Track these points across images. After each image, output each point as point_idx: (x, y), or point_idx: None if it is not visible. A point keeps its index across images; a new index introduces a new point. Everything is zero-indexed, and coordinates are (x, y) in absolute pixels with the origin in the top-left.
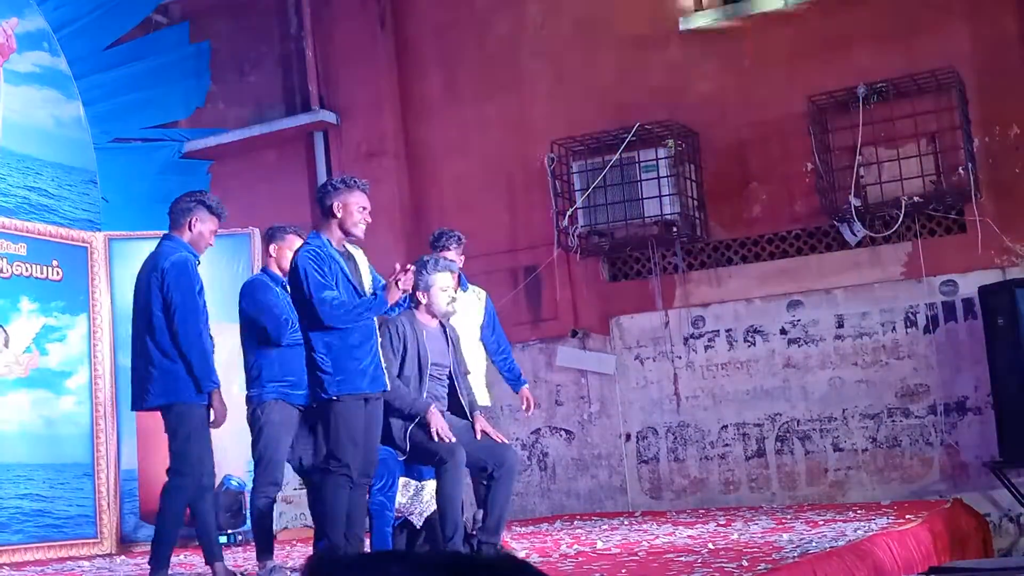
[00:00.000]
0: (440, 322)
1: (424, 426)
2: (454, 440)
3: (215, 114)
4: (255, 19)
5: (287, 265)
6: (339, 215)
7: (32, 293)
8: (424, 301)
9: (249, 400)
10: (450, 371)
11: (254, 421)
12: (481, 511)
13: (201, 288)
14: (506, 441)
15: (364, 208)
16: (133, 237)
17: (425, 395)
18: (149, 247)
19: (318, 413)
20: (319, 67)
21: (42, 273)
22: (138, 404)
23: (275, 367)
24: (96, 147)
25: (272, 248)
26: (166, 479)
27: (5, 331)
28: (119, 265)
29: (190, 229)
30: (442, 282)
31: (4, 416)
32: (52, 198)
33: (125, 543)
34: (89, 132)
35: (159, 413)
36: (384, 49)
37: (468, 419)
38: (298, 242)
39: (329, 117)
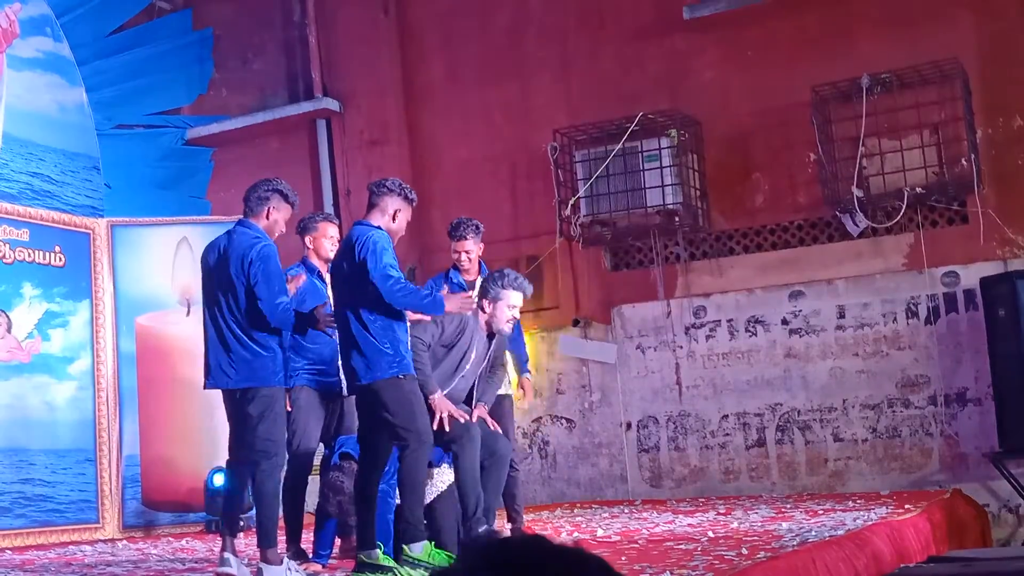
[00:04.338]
0: (489, 334)
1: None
2: (465, 418)
3: (218, 101)
4: (258, 6)
5: (326, 253)
6: (390, 215)
7: (35, 279)
8: (487, 311)
9: None
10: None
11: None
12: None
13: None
14: (499, 430)
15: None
16: (136, 224)
17: (448, 390)
18: (151, 233)
19: (372, 394)
20: (322, 54)
21: (45, 259)
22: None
23: (303, 354)
24: (99, 133)
25: (308, 240)
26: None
27: (8, 316)
28: (121, 251)
29: (267, 217)
30: (513, 299)
31: (6, 401)
32: (55, 184)
33: (127, 528)
34: (92, 118)
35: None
36: (387, 36)
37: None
38: (331, 228)
39: (332, 104)
